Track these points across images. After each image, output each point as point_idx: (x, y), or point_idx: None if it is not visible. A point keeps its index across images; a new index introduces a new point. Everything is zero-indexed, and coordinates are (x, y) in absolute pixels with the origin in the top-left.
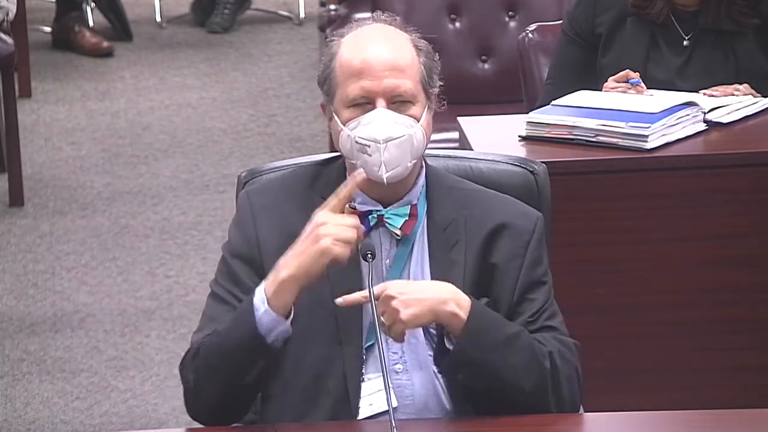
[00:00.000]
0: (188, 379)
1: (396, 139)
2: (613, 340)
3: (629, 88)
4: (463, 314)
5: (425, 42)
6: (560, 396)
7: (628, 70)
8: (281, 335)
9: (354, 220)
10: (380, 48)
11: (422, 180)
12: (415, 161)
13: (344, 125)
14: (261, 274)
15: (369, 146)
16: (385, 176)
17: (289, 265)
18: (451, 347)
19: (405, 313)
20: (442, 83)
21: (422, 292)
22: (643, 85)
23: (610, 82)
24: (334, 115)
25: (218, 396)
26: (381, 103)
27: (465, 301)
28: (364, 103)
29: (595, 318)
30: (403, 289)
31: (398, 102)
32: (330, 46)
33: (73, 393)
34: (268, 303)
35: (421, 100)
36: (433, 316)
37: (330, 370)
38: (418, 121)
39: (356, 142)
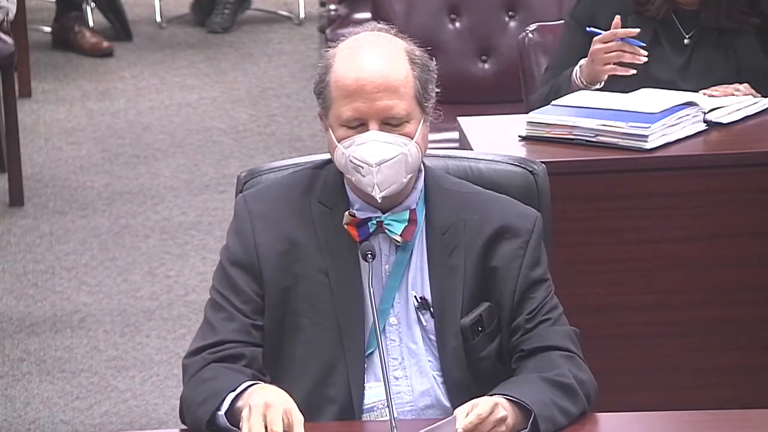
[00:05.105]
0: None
1: (389, 160)
2: (613, 340)
3: (622, 47)
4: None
5: (421, 51)
6: (585, 389)
7: (615, 30)
8: None
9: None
10: (374, 65)
11: (421, 184)
12: (410, 175)
13: (338, 142)
14: (259, 282)
15: (362, 167)
16: (378, 196)
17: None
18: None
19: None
20: (438, 90)
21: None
22: (639, 49)
23: (596, 44)
24: (329, 128)
25: None
26: (373, 125)
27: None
28: (358, 125)
29: (595, 318)
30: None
31: (391, 123)
32: (325, 55)
33: (73, 393)
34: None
35: (416, 116)
36: None
37: (334, 377)
38: (413, 138)
39: (350, 161)
